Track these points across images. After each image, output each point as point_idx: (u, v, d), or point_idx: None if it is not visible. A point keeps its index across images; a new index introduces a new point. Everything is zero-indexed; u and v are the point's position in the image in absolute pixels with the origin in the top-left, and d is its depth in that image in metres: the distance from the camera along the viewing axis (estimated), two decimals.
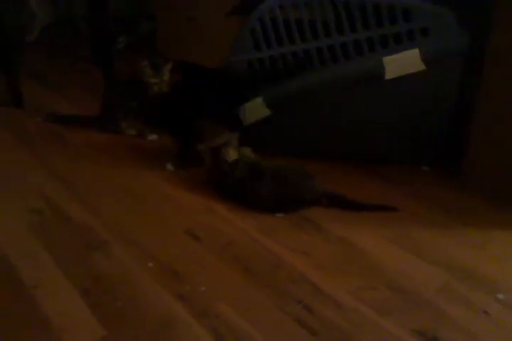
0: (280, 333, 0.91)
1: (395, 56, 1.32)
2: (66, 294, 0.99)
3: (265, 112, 1.45)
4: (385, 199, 1.28)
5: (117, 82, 1.81)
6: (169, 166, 1.45)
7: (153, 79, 1.55)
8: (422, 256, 1.10)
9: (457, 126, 1.42)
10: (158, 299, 0.98)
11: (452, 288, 1.01)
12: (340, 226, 1.19)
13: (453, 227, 1.21)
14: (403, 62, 1.32)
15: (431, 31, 1.30)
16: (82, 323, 0.92)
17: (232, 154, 1.29)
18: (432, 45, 1.30)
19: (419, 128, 1.40)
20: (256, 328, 0.91)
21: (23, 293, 1.00)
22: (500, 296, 0.99)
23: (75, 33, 2.64)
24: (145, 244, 1.13)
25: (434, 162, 1.45)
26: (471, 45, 1.29)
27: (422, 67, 1.32)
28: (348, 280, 1.02)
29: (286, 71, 1.41)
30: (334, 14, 1.35)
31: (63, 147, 1.58)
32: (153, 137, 1.64)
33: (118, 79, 1.86)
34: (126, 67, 1.96)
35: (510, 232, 1.19)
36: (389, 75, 1.34)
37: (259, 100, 1.44)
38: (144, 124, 1.64)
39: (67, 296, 0.99)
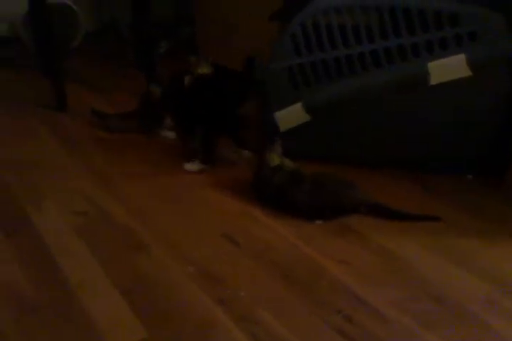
0: None
1: (440, 61, 1.29)
2: (108, 294, 1.01)
3: (305, 118, 1.45)
4: (427, 209, 1.25)
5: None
6: (188, 166, 1.46)
7: (202, 69, 1.56)
8: (466, 268, 1.06)
9: (504, 135, 1.37)
10: (199, 302, 0.99)
11: (498, 301, 0.98)
12: (381, 235, 1.17)
13: (499, 238, 1.17)
14: (449, 68, 1.29)
15: (479, 36, 1.27)
16: (124, 323, 0.94)
17: (275, 159, 1.29)
18: (479, 50, 1.27)
19: (464, 135, 1.36)
20: (296, 336, 0.90)
21: (67, 292, 1.02)
22: None
23: (118, 39, 2.71)
24: (185, 247, 1.15)
25: (479, 171, 1.41)
26: None
27: (468, 72, 1.28)
28: (390, 291, 1.00)
29: (327, 76, 1.40)
30: (378, 19, 1.34)
31: (105, 150, 1.62)
32: None
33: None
34: (168, 71, 2.00)
35: None
36: (434, 81, 1.31)
37: (298, 106, 1.44)
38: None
39: (110, 296, 1.01)
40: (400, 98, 1.35)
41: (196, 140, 1.46)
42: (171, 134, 1.68)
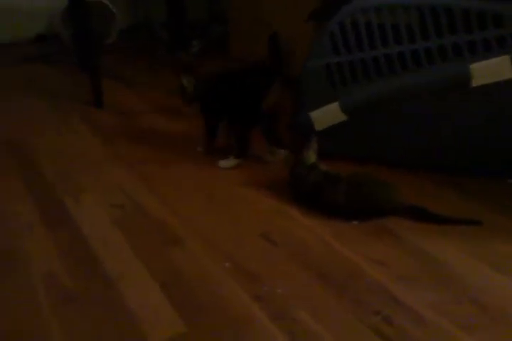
0: None
1: (483, 63, 1.26)
2: (147, 287, 1.03)
3: (341, 117, 1.44)
4: (465, 212, 1.23)
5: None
6: (223, 163, 1.47)
7: None
8: (508, 273, 1.04)
9: None
10: (235, 298, 0.99)
11: None
12: (419, 237, 1.15)
13: None
14: (492, 70, 1.26)
15: None
16: (163, 316, 0.95)
17: (311, 157, 1.29)
18: None
19: (505, 139, 1.33)
20: (333, 336, 0.90)
21: (106, 283, 1.04)
22: None
23: (151, 37, 2.74)
24: (221, 244, 1.15)
25: None
26: None
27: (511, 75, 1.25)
28: (429, 294, 0.99)
29: (366, 76, 1.39)
30: (419, 19, 1.32)
31: (140, 146, 1.64)
32: None
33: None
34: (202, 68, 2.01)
35: None
36: (476, 82, 1.29)
37: (335, 105, 1.43)
38: None
39: (149, 289, 1.02)
40: (440, 99, 1.33)
41: (231, 134, 1.47)
42: None
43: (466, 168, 1.40)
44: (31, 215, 1.27)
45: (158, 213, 1.27)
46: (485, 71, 1.27)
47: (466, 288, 1.00)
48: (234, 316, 0.95)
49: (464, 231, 1.17)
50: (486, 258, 1.09)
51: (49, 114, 1.90)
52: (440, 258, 1.09)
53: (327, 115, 1.45)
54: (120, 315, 0.96)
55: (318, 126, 1.47)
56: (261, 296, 0.99)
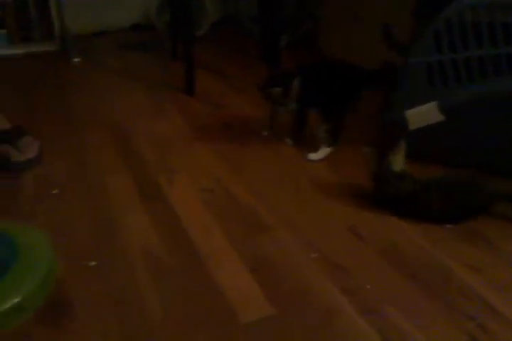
0: None
1: None
2: (236, 268, 1.06)
3: (438, 117, 1.39)
4: None
5: None
6: (312, 156, 1.49)
7: None
8: None
9: None
10: (323, 289, 1.00)
11: None
12: None
13: None
14: None
15: None
16: (252, 298, 0.98)
17: (399, 163, 1.23)
18: None
19: None
20: (425, 336, 0.88)
21: (198, 261, 1.09)
22: None
23: (241, 30, 2.79)
24: (308, 234, 1.16)
25: None
26: None
27: None
28: None
29: (469, 76, 1.34)
30: None
31: (229, 135, 1.68)
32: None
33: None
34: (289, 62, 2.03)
35: None
36: None
37: (433, 104, 1.39)
38: None
39: (238, 271, 1.05)
40: None
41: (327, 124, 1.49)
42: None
43: None
44: (130, 190, 1.35)
45: (246, 200, 1.31)
46: None
47: None
48: (322, 306, 0.96)
49: None
50: None
51: (144, 99, 2.00)
52: None
53: (423, 114, 1.41)
54: (211, 293, 1.00)
55: (413, 125, 1.43)
56: (349, 290, 0.99)
